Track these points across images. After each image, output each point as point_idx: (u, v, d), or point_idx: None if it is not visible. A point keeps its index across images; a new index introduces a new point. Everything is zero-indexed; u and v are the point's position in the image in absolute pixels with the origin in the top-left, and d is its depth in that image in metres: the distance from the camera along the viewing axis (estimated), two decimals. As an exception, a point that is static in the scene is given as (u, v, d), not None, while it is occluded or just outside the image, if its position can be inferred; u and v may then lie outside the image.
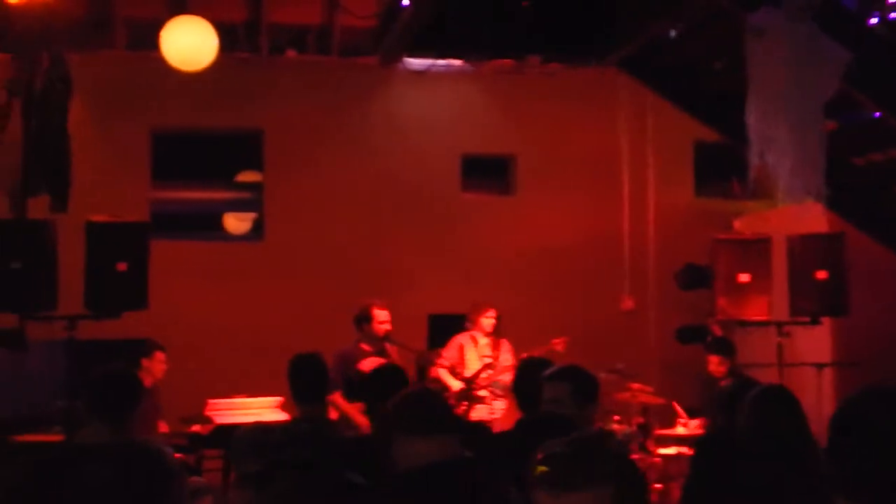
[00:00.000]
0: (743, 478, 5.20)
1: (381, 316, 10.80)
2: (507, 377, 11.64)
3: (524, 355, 11.62)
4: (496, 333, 11.94)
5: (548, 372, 6.03)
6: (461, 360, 11.78)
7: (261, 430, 6.16)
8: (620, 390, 11.84)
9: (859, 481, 3.04)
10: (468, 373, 11.66)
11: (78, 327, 9.17)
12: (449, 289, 13.66)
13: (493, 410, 11.57)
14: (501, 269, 14.34)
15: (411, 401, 5.44)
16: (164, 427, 10.82)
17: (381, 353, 10.68)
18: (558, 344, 11.74)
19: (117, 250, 9.46)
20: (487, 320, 11.85)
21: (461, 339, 11.96)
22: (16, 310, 9.13)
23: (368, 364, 10.02)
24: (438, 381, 11.85)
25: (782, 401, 5.71)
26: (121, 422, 5.86)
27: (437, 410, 5.07)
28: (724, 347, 11.64)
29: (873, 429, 3.05)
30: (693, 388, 12.57)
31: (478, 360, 11.73)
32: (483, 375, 11.65)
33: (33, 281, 8.95)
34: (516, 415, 6.40)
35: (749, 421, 5.59)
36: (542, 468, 2.96)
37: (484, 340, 11.87)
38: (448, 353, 11.87)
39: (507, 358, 11.80)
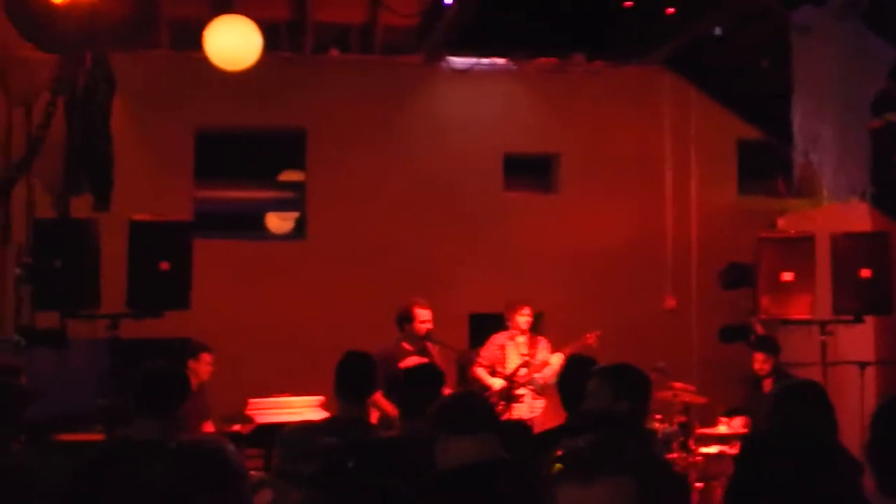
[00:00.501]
0: (777, 476, 5.17)
1: (423, 315, 10.81)
2: (545, 374, 11.68)
3: (559, 352, 11.76)
4: (533, 331, 11.94)
5: (594, 369, 6.04)
6: (501, 358, 11.78)
7: (308, 429, 6.17)
8: (662, 389, 11.81)
9: None
10: (507, 371, 11.67)
11: (120, 326, 9.19)
12: (490, 288, 13.65)
13: (533, 409, 11.57)
14: (543, 268, 14.31)
15: (453, 401, 5.47)
16: (209, 427, 10.83)
17: (422, 352, 10.70)
18: (591, 338, 11.76)
19: (160, 249, 9.46)
20: (523, 318, 11.85)
21: (500, 337, 11.97)
22: (58, 308, 9.19)
23: (409, 363, 10.02)
24: (478, 380, 11.88)
25: (802, 397, 5.64)
26: (167, 419, 5.87)
27: (478, 410, 5.07)
28: (769, 345, 11.62)
29: None
30: (735, 388, 12.54)
31: (517, 359, 11.75)
32: (520, 373, 11.66)
33: (75, 279, 8.97)
34: (556, 413, 6.39)
35: (771, 418, 5.55)
36: (560, 464, 2.97)
37: (521, 339, 11.88)
38: (487, 352, 11.89)
39: (544, 355, 11.82)
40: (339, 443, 5.17)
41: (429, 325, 10.82)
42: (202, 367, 10.98)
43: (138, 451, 5.62)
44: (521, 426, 10.51)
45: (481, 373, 11.80)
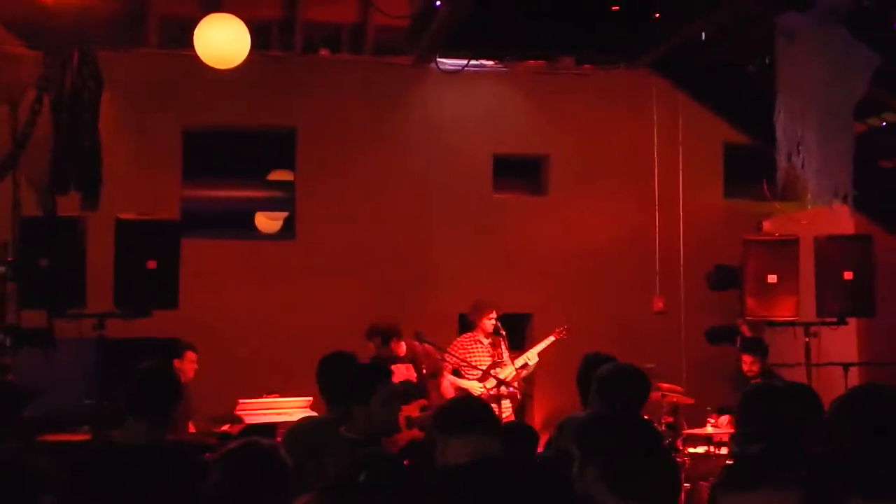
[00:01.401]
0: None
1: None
2: (508, 376, 11.79)
3: (532, 350, 11.98)
4: (495, 333, 12.02)
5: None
6: (468, 359, 11.83)
7: (313, 428, 6.17)
8: (650, 390, 11.85)
9: (862, 477, 3.08)
10: (477, 373, 11.74)
11: (107, 326, 9.16)
12: (480, 288, 13.63)
13: (502, 410, 11.65)
14: (532, 269, 14.36)
15: (452, 403, 5.52)
16: (191, 428, 10.86)
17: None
18: (559, 333, 11.95)
19: (147, 248, 9.45)
20: (490, 322, 11.94)
21: (467, 339, 12.05)
22: (44, 307, 9.16)
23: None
24: (455, 388, 11.91)
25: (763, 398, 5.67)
26: (159, 421, 5.86)
27: (475, 411, 5.09)
28: (757, 347, 11.73)
29: (871, 425, 3.10)
30: (722, 388, 12.60)
31: (488, 359, 11.84)
32: (506, 374, 11.74)
33: (62, 278, 8.96)
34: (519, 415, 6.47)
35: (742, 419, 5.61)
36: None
37: (486, 340, 11.97)
38: (458, 352, 11.92)
39: (506, 357, 11.95)
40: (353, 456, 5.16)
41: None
42: (187, 366, 11.01)
43: (129, 454, 5.62)
44: (524, 427, 10.57)
45: (452, 379, 11.86)
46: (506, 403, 11.68)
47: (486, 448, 4.71)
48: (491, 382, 11.51)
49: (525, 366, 12.01)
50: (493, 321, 11.91)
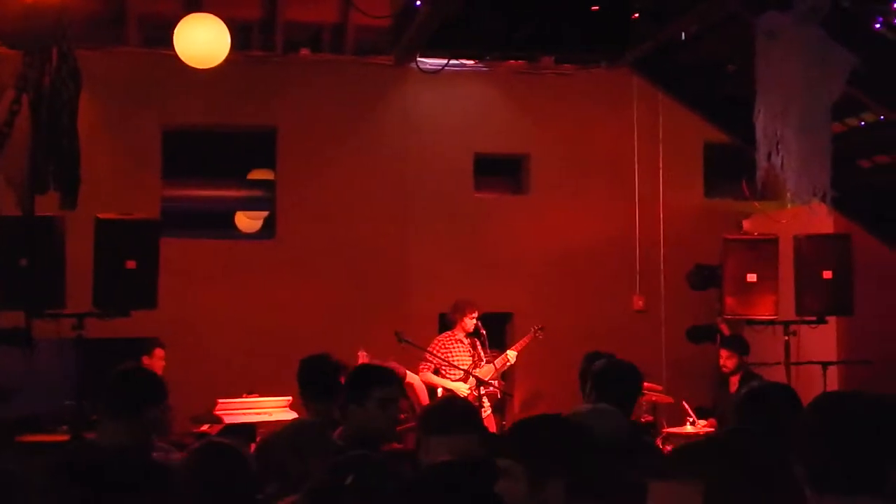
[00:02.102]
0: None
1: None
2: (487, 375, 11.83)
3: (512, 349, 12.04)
4: (475, 333, 12.05)
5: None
6: (449, 358, 11.85)
7: (297, 430, 6.15)
8: (643, 384, 11.89)
9: (831, 474, 3.14)
10: (458, 373, 11.76)
11: (86, 326, 9.16)
12: (460, 288, 13.66)
13: (485, 410, 11.66)
14: (513, 268, 14.38)
15: (436, 404, 5.53)
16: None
17: None
18: (536, 332, 12.06)
19: (127, 248, 9.46)
20: (471, 321, 11.97)
21: (447, 338, 12.07)
22: (23, 308, 9.07)
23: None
24: (435, 387, 11.92)
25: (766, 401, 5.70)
26: (139, 422, 5.80)
27: (456, 411, 5.09)
28: (736, 343, 11.76)
29: (847, 429, 3.16)
30: (702, 387, 12.64)
31: (468, 358, 11.87)
32: (482, 371, 11.79)
33: (41, 278, 8.92)
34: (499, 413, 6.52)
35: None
36: None
37: (466, 340, 12.00)
38: (439, 351, 11.94)
39: (485, 357, 12.00)
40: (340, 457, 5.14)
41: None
42: (156, 363, 10.95)
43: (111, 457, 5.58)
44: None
45: (436, 379, 11.87)
46: (485, 402, 11.72)
47: (464, 447, 4.72)
48: (472, 381, 11.53)
49: (504, 364, 12.07)
50: (475, 320, 11.94)
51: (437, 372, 11.91)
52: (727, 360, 11.64)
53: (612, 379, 6.41)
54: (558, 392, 10.53)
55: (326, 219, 14.03)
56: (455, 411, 5.11)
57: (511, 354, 12.11)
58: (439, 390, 11.74)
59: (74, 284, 9.18)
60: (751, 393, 5.67)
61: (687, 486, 3.18)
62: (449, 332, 12.12)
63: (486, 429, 5.05)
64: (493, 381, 11.73)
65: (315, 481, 4.22)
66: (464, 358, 11.87)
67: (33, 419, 10.04)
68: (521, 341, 12.27)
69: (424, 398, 11.70)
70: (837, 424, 3.19)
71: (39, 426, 9.96)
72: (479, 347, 11.98)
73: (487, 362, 11.92)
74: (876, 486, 3.13)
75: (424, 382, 11.75)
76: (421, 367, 11.98)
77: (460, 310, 12.00)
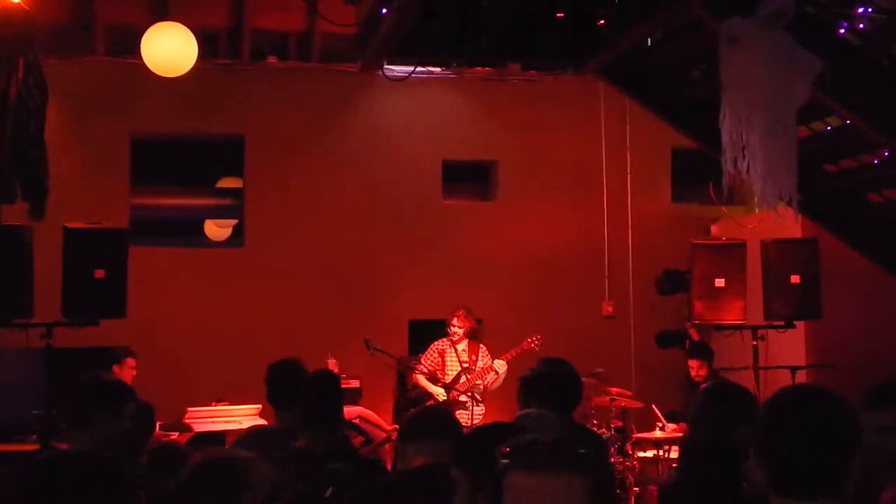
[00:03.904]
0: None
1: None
2: (489, 380, 11.80)
3: (501, 359, 11.94)
4: (474, 338, 12.02)
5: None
6: (441, 365, 11.86)
7: (254, 438, 6.13)
8: (599, 394, 11.94)
9: (789, 478, 3.17)
10: (448, 378, 11.76)
11: (55, 335, 9.08)
12: (430, 294, 13.73)
13: (474, 416, 11.65)
14: (482, 274, 14.39)
15: (417, 411, 5.55)
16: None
17: None
18: (531, 343, 11.92)
19: (95, 257, 9.40)
20: (454, 326, 11.97)
21: (440, 344, 12.05)
22: (-10, 317, 9.08)
23: None
24: (420, 388, 11.94)
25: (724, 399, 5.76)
26: (100, 431, 5.79)
27: (432, 418, 5.11)
28: (703, 352, 11.80)
29: (801, 426, 3.19)
30: (671, 392, 12.68)
31: (458, 365, 11.85)
32: (461, 380, 11.77)
33: (8, 288, 8.85)
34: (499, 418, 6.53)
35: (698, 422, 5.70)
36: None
37: (462, 345, 11.97)
38: (428, 359, 11.95)
39: (485, 362, 11.94)
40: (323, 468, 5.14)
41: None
42: (126, 372, 10.93)
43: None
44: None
45: (422, 381, 11.89)
46: (478, 410, 11.70)
47: (438, 454, 4.73)
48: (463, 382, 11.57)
49: (486, 372, 12.00)
50: (456, 326, 11.94)
51: (432, 378, 11.89)
52: (699, 369, 11.68)
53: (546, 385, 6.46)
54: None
55: (295, 226, 14.03)
56: (431, 418, 5.13)
57: (499, 364, 12.00)
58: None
59: (42, 294, 9.11)
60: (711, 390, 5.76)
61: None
62: (443, 339, 12.11)
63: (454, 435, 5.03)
64: (462, 389, 11.71)
65: (292, 493, 4.22)
66: (452, 363, 11.88)
67: (1, 429, 9.99)
68: (511, 351, 12.13)
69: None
70: (795, 428, 3.22)
71: (8, 435, 9.92)
72: (480, 353, 11.96)
73: (481, 369, 11.88)
74: (834, 488, 3.17)
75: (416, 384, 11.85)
76: (417, 368, 12.01)
77: (451, 315, 12.04)
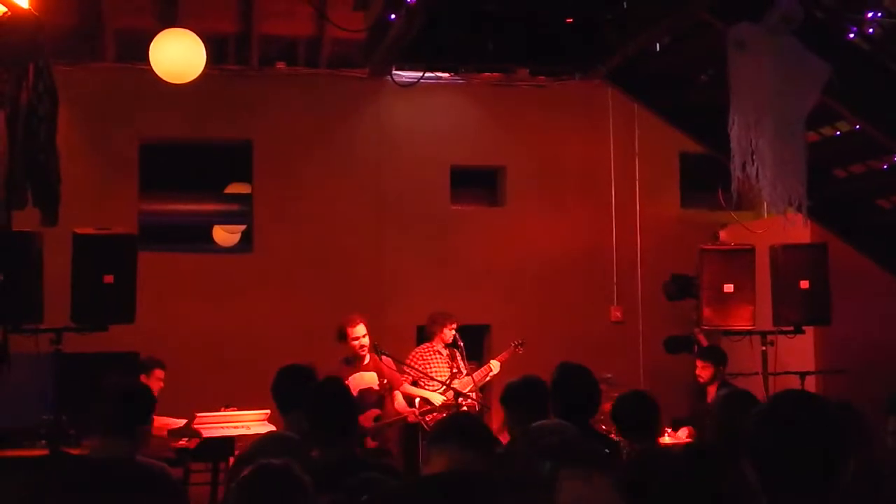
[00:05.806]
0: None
1: (355, 332, 10.97)
2: (467, 386, 11.82)
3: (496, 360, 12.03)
4: (453, 344, 12.05)
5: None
6: (426, 370, 11.83)
7: (273, 443, 6.11)
8: (608, 400, 11.90)
9: (783, 482, 3.21)
10: (436, 385, 11.74)
11: (63, 340, 9.13)
12: (438, 300, 13.67)
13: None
14: (490, 279, 14.40)
15: (446, 416, 5.54)
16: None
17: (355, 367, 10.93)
18: (511, 350, 12.10)
19: (104, 262, 9.40)
20: (450, 332, 11.96)
21: (426, 350, 12.05)
22: (0, 323, 9.08)
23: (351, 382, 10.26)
24: (411, 397, 11.89)
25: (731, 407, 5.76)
26: (134, 437, 5.79)
27: (458, 423, 5.08)
28: (712, 354, 11.73)
29: (793, 430, 3.23)
30: (680, 398, 12.64)
31: (447, 370, 11.86)
32: (459, 383, 11.79)
33: (18, 293, 8.86)
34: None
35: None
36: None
37: (444, 351, 11.99)
38: (417, 364, 11.92)
39: (463, 368, 11.99)
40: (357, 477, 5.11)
41: (363, 342, 10.94)
42: (154, 384, 10.92)
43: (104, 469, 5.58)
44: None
45: (413, 390, 11.85)
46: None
47: (462, 461, 4.71)
48: (450, 393, 11.52)
49: (486, 375, 12.06)
50: (453, 332, 11.94)
51: (415, 383, 11.89)
52: (702, 370, 11.62)
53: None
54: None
55: (303, 232, 14.04)
56: (457, 424, 5.11)
57: (494, 364, 12.08)
58: (416, 400, 11.71)
59: (52, 299, 9.12)
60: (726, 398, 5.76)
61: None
62: (427, 344, 12.09)
63: (490, 443, 4.96)
64: (471, 394, 11.72)
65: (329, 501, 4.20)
66: (442, 370, 11.86)
67: (10, 434, 9.99)
68: (501, 354, 12.25)
69: (400, 403, 11.70)
70: (786, 426, 3.26)
71: (17, 441, 9.91)
72: (459, 359, 11.97)
73: (467, 374, 11.90)
74: (825, 486, 3.20)
75: (403, 394, 11.71)
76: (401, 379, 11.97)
77: (439, 321, 11.98)
